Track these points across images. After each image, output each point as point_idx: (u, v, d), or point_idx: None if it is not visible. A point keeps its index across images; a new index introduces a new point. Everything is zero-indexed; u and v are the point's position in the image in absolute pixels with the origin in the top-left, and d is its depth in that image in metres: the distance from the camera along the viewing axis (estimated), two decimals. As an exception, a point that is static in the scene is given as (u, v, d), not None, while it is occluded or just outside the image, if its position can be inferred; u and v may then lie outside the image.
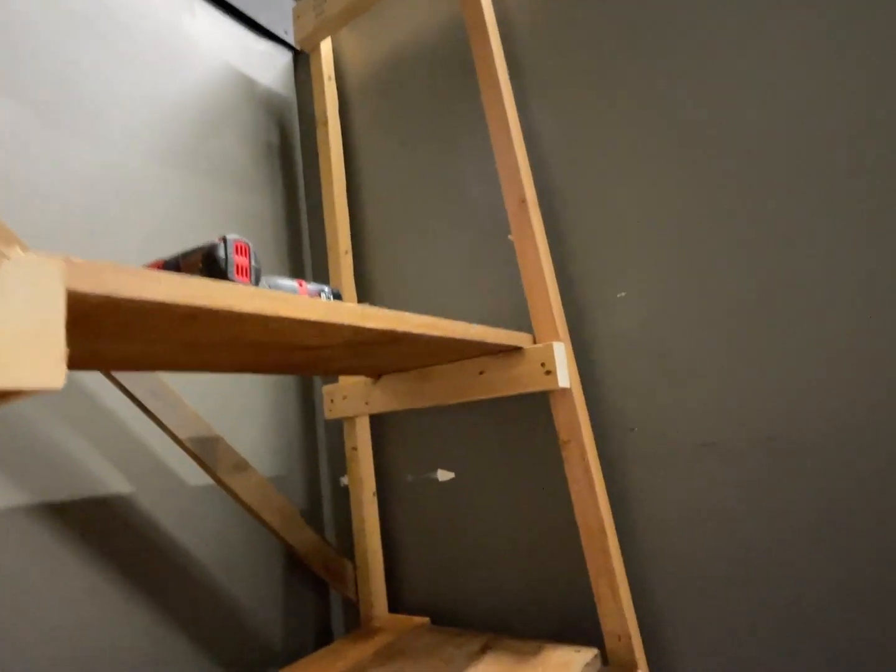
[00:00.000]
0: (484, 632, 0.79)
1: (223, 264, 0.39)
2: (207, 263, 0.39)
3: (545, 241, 0.77)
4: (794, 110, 0.66)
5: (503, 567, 0.83)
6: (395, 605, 0.93)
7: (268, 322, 0.42)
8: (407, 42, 1.00)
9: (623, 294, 0.76)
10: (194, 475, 0.83)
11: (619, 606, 0.68)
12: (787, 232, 0.65)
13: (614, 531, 0.71)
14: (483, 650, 0.72)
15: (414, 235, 0.96)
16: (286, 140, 1.11)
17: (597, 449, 0.76)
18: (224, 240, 0.41)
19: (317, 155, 1.12)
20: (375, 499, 0.93)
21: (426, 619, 0.86)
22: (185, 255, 0.41)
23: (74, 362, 0.47)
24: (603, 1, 0.80)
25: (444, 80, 0.94)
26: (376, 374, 0.85)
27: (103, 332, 0.39)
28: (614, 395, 0.76)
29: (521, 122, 0.85)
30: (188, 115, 0.94)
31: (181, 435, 0.73)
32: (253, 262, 0.43)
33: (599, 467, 0.73)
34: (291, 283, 0.54)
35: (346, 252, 0.99)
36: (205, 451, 0.75)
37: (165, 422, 0.72)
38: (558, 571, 0.78)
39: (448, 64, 0.94)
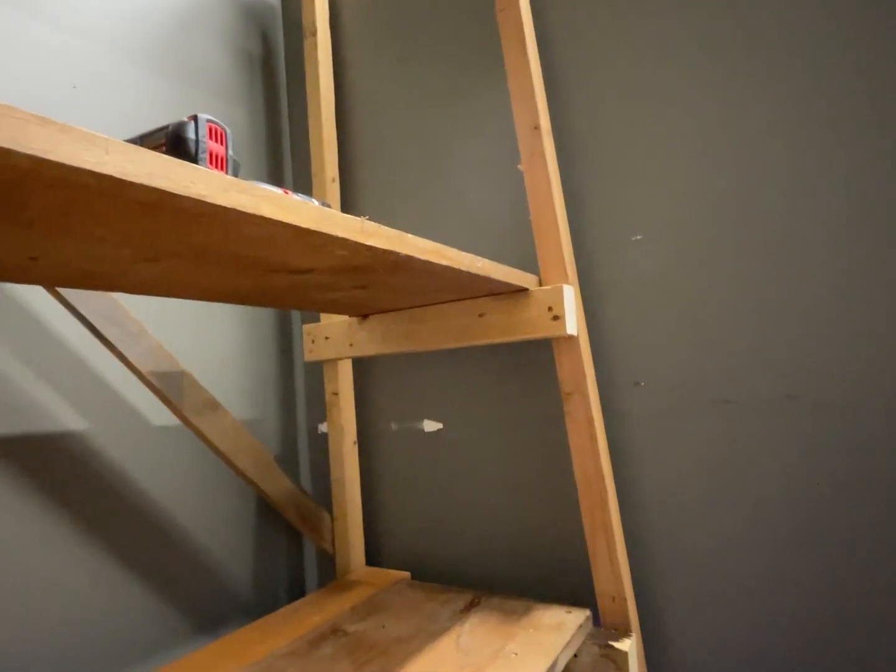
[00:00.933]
0: (473, 589, 0.75)
1: (193, 147, 0.31)
2: (174, 145, 0.31)
3: (557, 172, 0.70)
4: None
5: (490, 524, 0.79)
6: (373, 560, 0.89)
7: (246, 224, 0.34)
8: (410, -57, 0.88)
9: (639, 237, 0.69)
10: (158, 414, 0.75)
11: (614, 566, 0.64)
12: (818, 178, 0.59)
13: (614, 488, 0.67)
14: (469, 607, 0.68)
15: (411, 165, 0.87)
16: (269, 51, 1.00)
17: (601, 403, 0.71)
18: (195, 119, 0.32)
19: (303, 70, 1.01)
20: (356, 448, 0.88)
21: (406, 574, 0.82)
22: (146, 137, 0.33)
23: (2, 269, 0.39)
24: None
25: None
26: (363, 313, 0.77)
27: (33, 220, 0.30)
28: (622, 347, 0.70)
29: (538, 40, 0.76)
30: (160, 11, 0.82)
31: (143, 368, 0.65)
32: (230, 152, 0.34)
33: (602, 422, 0.68)
34: (275, 188, 0.46)
35: (334, 180, 0.90)
36: (170, 387, 0.68)
37: (125, 353, 0.63)
38: (550, 530, 0.74)
39: (456, -30, 0.83)
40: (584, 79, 0.73)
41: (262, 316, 0.92)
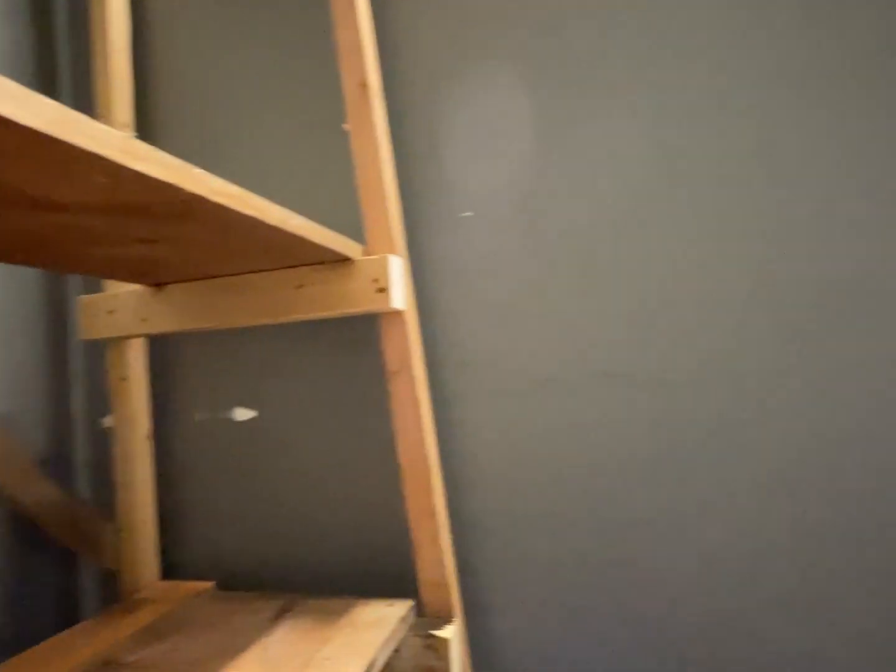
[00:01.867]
0: (286, 593, 0.68)
1: None
2: None
3: (387, 136, 0.65)
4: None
5: (311, 520, 0.72)
6: (172, 573, 0.77)
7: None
8: None
9: (470, 213, 0.67)
10: None
11: (437, 553, 0.61)
12: (641, 167, 0.62)
13: (439, 472, 0.65)
14: (281, 614, 0.60)
15: (222, 116, 0.76)
16: (40, -42, 0.81)
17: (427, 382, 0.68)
18: None
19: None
20: (150, 443, 0.74)
21: (210, 585, 0.71)
22: None
23: None
24: None
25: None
26: (158, 282, 0.65)
27: None
28: (450, 326, 0.68)
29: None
30: None
31: None
32: None
33: (429, 403, 0.65)
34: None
35: (126, 126, 0.75)
36: None
37: None
38: (376, 521, 0.69)
39: None
40: (419, 39, 0.69)
41: (23, 281, 0.74)
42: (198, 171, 0.37)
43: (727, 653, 0.60)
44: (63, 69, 0.83)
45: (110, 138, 0.31)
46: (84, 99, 0.82)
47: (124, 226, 0.42)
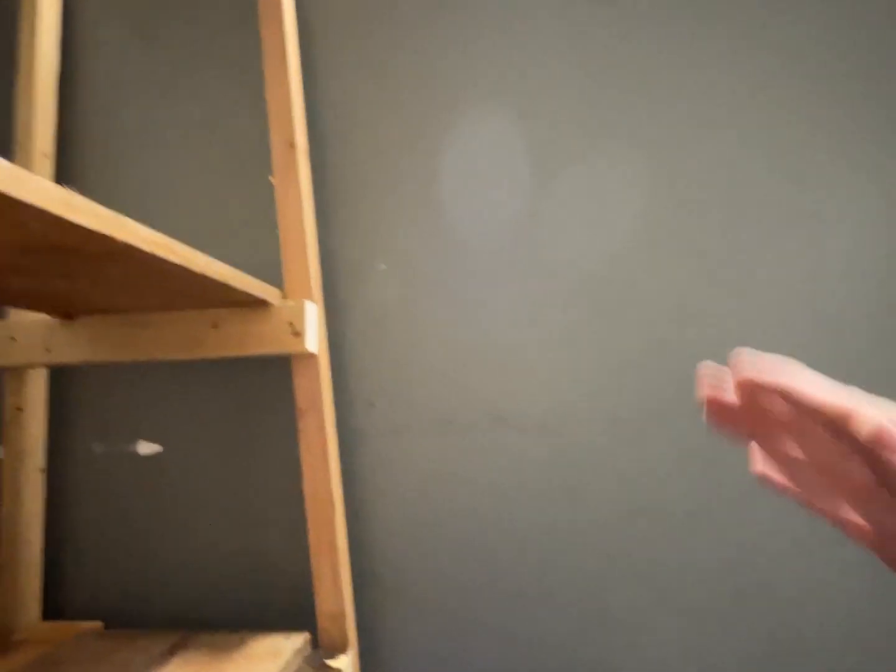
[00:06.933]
0: (180, 631, 0.67)
1: None
2: None
3: (311, 191, 0.70)
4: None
5: (212, 555, 0.72)
6: (57, 614, 0.73)
7: None
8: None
9: (384, 267, 0.74)
10: None
11: (336, 585, 0.64)
12: (540, 217, 0.71)
13: (342, 506, 0.68)
14: (173, 650, 0.60)
15: (147, 152, 0.78)
16: (-34, -16, 0.81)
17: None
18: None
19: (14, 9, 0.84)
20: (42, 476, 0.72)
21: (97, 624, 0.69)
22: None
23: None
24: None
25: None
26: (68, 313, 0.66)
27: None
28: (359, 367, 0.73)
29: (300, 55, 0.77)
30: None
31: None
32: None
33: (336, 441, 0.69)
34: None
35: (46, 156, 0.76)
36: None
37: None
38: (278, 555, 0.71)
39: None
40: (342, 99, 0.76)
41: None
42: (131, 223, 0.40)
43: (596, 675, 0.66)
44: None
45: (51, 191, 0.34)
46: (2, 121, 0.81)
47: (49, 263, 0.44)
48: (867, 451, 0.21)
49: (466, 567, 0.69)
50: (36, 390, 0.72)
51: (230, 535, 0.72)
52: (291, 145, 0.69)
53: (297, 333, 0.63)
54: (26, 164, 0.74)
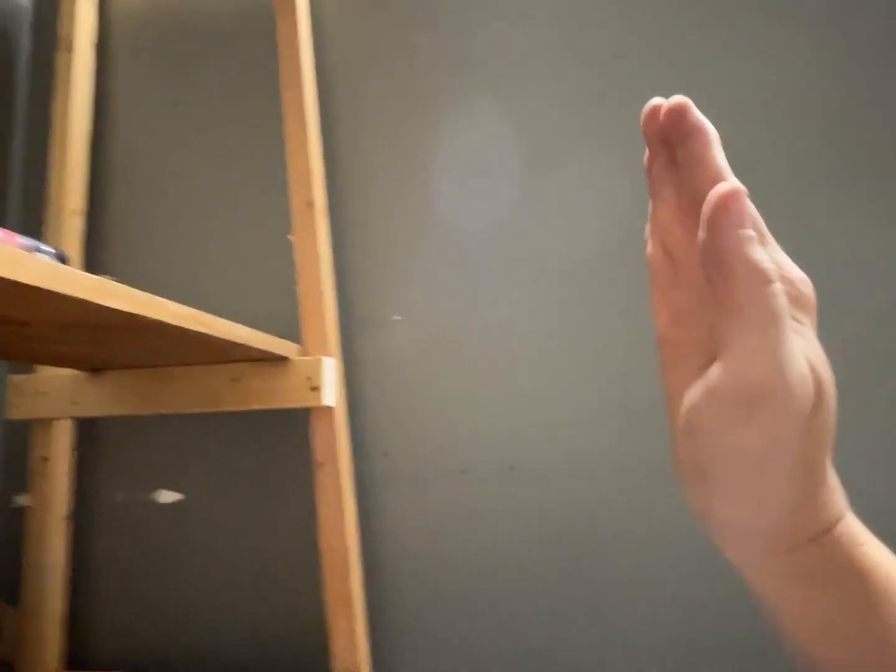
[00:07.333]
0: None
1: None
2: None
3: (328, 248, 0.73)
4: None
5: (231, 604, 0.73)
6: (80, 662, 0.74)
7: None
8: (198, -7, 0.87)
9: (399, 318, 0.75)
10: None
11: (352, 640, 0.65)
12: (556, 269, 0.73)
13: (358, 560, 0.69)
14: (190, 705, 0.61)
15: (174, 212, 0.82)
16: (8, 52, 0.86)
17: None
18: None
19: (50, 82, 0.88)
20: (66, 525, 0.74)
21: (117, 674, 0.70)
22: None
23: None
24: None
25: (240, 47, 0.84)
26: (94, 367, 0.68)
27: None
28: (375, 418, 0.74)
29: (320, 119, 0.80)
30: None
31: None
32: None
33: (352, 492, 0.70)
34: (-8, 230, 0.40)
35: (76, 212, 0.79)
36: None
37: None
38: (296, 607, 0.72)
39: (247, 29, 0.84)
40: (360, 158, 0.78)
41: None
42: (160, 301, 0.42)
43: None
44: (15, 155, 0.86)
45: (90, 282, 0.36)
46: (36, 180, 0.85)
47: (82, 335, 0.47)
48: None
49: (483, 619, 0.69)
50: (62, 441, 0.74)
51: (248, 585, 0.73)
52: (310, 204, 0.71)
53: (315, 388, 0.65)
54: (58, 222, 0.77)
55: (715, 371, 0.19)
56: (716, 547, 0.22)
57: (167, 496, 0.76)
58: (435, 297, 0.75)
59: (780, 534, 0.20)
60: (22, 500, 0.78)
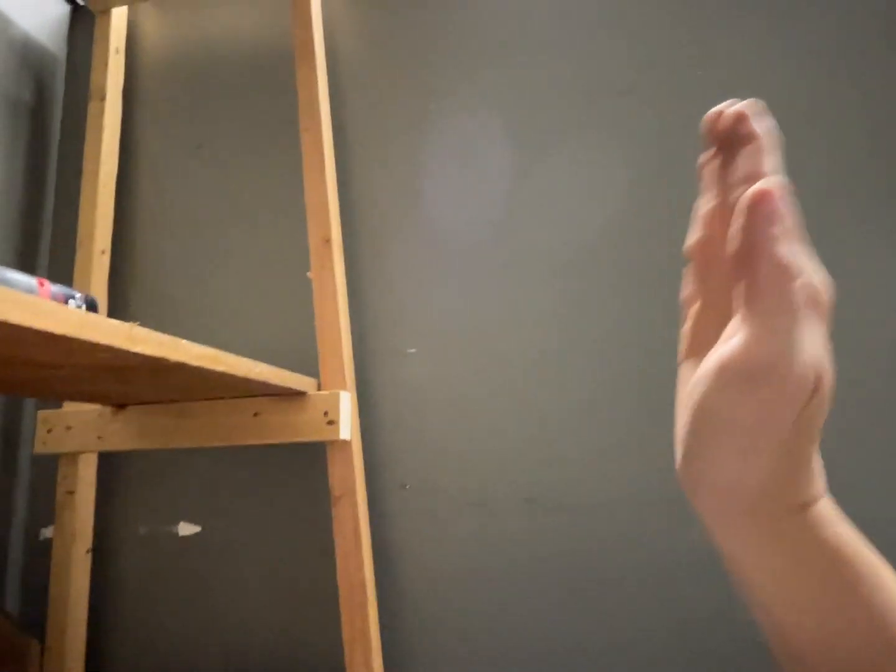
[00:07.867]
0: (211, 717, 0.68)
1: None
2: None
3: (344, 284, 0.75)
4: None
5: (249, 637, 0.73)
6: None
7: (-12, 328, 0.31)
8: (222, 39, 0.91)
9: (414, 350, 0.77)
10: None
11: (369, 674, 0.64)
12: (571, 303, 0.74)
13: (374, 594, 0.69)
14: (209, 742, 0.61)
15: (195, 251, 0.84)
16: (43, 101, 0.91)
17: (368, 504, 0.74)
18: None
19: (82, 128, 0.93)
20: (90, 557, 0.75)
21: (136, 708, 0.71)
22: None
23: None
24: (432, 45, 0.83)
25: (258, 92, 0.87)
26: (118, 403, 0.70)
27: None
28: (392, 451, 0.75)
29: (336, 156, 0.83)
30: None
31: None
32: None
33: (369, 525, 0.71)
34: (28, 279, 0.42)
35: (103, 252, 0.82)
36: None
37: None
38: (312, 641, 0.72)
39: (265, 75, 0.88)
40: (373, 194, 0.81)
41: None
42: (184, 344, 0.44)
43: None
44: (48, 197, 0.90)
45: (118, 329, 0.38)
46: (66, 222, 0.89)
47: (108, 375, 0.49)
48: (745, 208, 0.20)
49: (501, 651, 0.68)
50: (86, 474, 0.76)
51: (266, 617, 0.73)
52: (327, 241, 0.73)
53: (332, 422, 0.66)
54: (86, 262, 0.81)
55: (730, 344, 0.20)
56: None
57: (186, 528, 0.77)
58: (449, 329, 0.76)
59: (761, 497, 0.21)
60: (48, 532, 0.80)
